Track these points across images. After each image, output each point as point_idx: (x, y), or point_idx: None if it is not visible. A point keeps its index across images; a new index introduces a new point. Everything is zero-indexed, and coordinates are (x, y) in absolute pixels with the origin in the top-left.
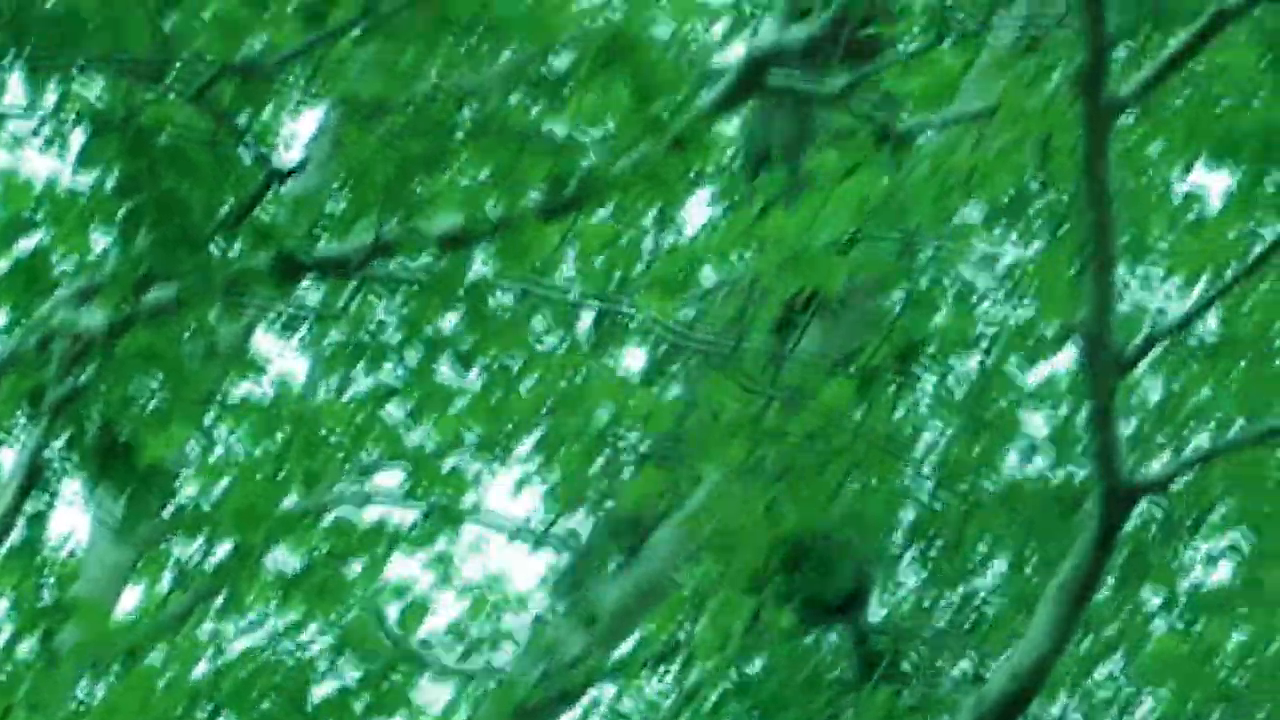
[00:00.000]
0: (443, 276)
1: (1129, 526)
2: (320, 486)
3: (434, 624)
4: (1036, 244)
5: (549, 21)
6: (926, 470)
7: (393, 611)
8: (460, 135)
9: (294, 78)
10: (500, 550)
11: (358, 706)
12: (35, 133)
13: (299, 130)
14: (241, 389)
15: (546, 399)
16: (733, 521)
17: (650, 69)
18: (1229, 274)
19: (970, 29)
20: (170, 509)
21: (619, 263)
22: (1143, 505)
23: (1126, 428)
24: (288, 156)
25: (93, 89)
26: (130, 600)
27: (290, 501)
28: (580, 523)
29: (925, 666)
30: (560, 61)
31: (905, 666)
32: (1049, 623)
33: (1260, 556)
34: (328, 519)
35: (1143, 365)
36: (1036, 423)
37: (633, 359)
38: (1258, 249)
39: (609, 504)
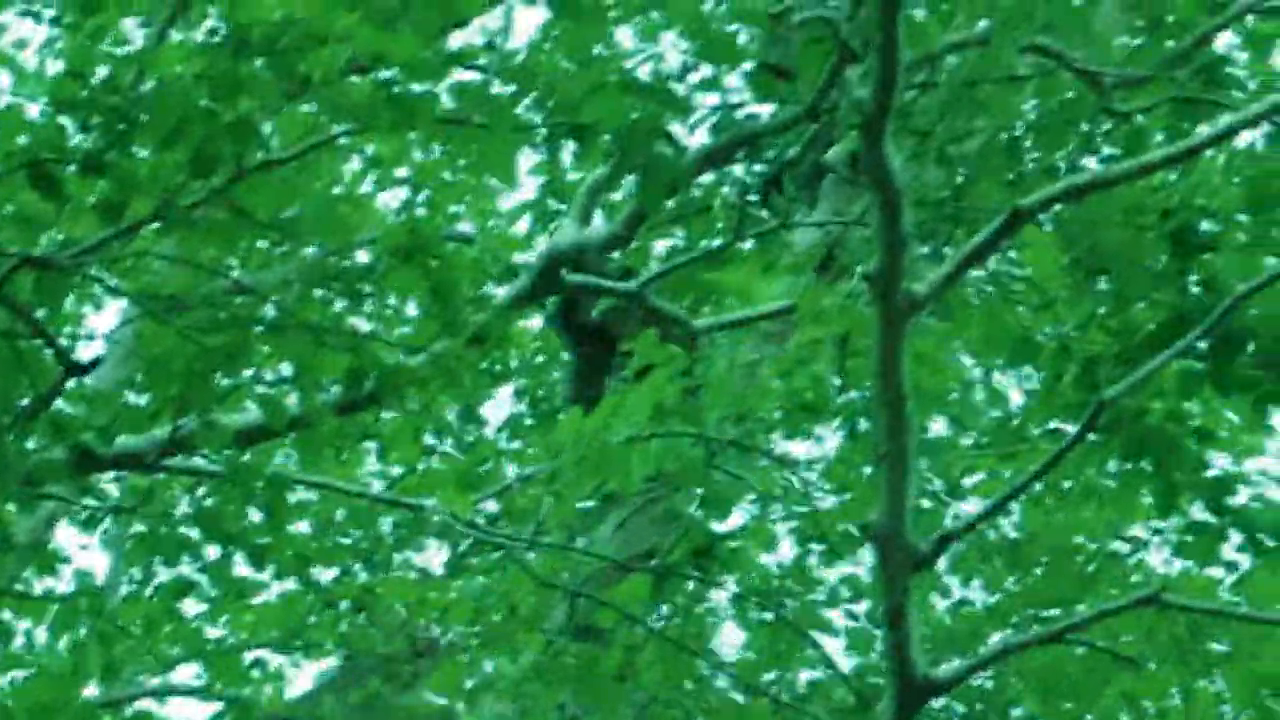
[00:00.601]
0: (241, 470)
1: None
2: (120, 679)
3: None
4: (835, 441)
5: (346, 221)
6: (725, 672)
7: None
8: (259, 330)
9: (93, 272)
10: None
11: None
12: None
13: (99, 325)
14: (42, 583)
15: (347, 595)
16: None
17: (447, 267)
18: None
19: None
20: None
21: (419, 460)
22: (946, 708)
23: (924, 627)
24: (87, 350)
25: None
26: None
27: (90, 694)
28: None
29: None
30: (359, 259)
31: None
32: None
33: None
34: (127, 711)
35: (943, 564)
36: (838, 621)
37: (433, 555)
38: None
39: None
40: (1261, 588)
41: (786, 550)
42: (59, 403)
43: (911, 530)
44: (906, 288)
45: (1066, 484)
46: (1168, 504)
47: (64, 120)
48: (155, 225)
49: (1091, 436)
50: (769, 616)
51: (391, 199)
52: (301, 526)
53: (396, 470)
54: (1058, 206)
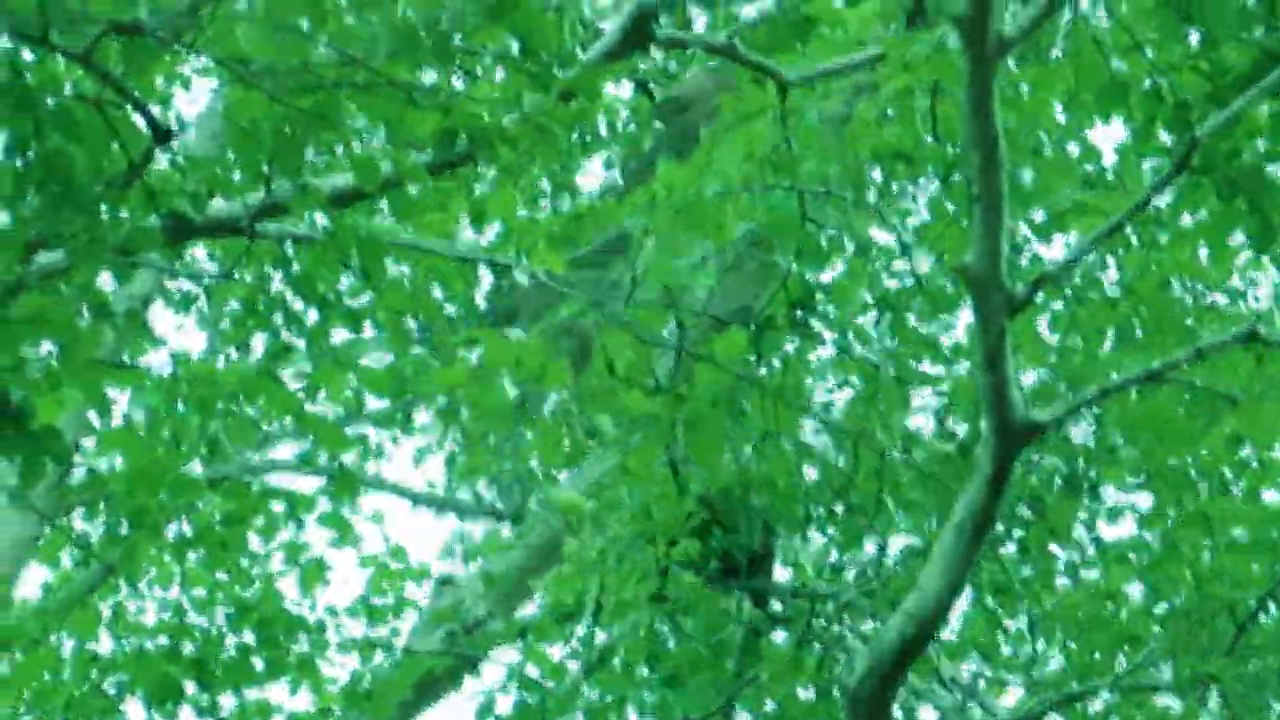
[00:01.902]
0: (335, 233)
1: (1031, 480)
2: (221, 454)
3: (338, 596)
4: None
5: None
6: (826, 425)
7: (292, 578)
8: (348, 91)
9: (180, 39)
10: (402, 521)
11: (258, 664)
12: None
13: (190, 94)
14: (141, 361)
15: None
16: (636, 481)
17: (535, 23)
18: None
19: None
20: (70, 477)
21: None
22: (1046, 457)
23: (1027, 378)
24: (178, 119)
25: None
26: (36, 574)
27: (193, 469)
28: (484, 488)
29: (831, 623)
30: (446, 18)
31: (812, 624)
32: (944, 561)
33: (1160, 509)
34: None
35: (1045, 317)
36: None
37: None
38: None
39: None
40: None
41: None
42: (151, 170)
43: (1007, 274)
44: (996, 29)
45: (1163, 237)
46: (1263, 241)
47: None
48: None
49: (1186, 180)
50: (868, 369)
51: None
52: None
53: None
54: None
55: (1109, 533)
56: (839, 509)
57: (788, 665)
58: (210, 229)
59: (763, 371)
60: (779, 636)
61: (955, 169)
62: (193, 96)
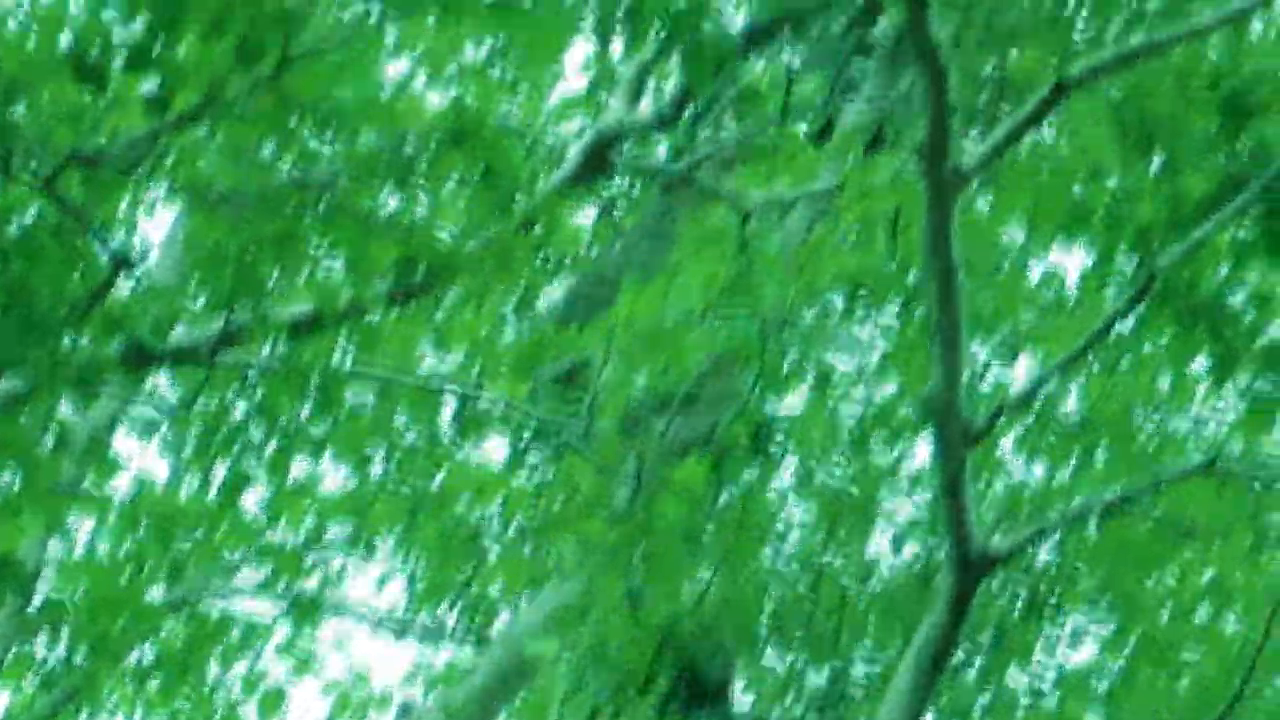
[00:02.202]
0: (294, 362)
1: (993, 604)
2: (183, 582)
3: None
4: (891, 322)
5: (393, 107)
6: (788, 554)
7: (252, 706)
8: (309, 220)
9: (142, 167)
10: (364, 646)
11: None
12: None
13: (152, 221)
14: (103, 488)
15: (408, 492)
16: (598, 612)
17: (496, 152)
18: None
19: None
20: (32, 605)
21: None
22: (1006, 584)
23: (987, 506)
24: (139, 247)
25: None
26: None
27: (154, 597)
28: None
29: None
30: (408, 147)
31: None
32: (905, 690)
33: (1120, 636)
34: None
35: (1008, 446)
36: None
37: (492, 448)
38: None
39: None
40: None
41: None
42: (112, 298)
43: (967, 404)
44: (954, 160)
45: (1124, 363)
46: (1223, 373)
47: (108, 13)
48: (202, 118)
49: (1147, 306)
50: (829, 498)
51: (441, 99)
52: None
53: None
54: (1107, 76)
55: (1070, 659)
56: (798, 637)
57: None
58: (170, 357)
59: (724, 498)
60: None
61: (915, 297)
62: (156, 223)
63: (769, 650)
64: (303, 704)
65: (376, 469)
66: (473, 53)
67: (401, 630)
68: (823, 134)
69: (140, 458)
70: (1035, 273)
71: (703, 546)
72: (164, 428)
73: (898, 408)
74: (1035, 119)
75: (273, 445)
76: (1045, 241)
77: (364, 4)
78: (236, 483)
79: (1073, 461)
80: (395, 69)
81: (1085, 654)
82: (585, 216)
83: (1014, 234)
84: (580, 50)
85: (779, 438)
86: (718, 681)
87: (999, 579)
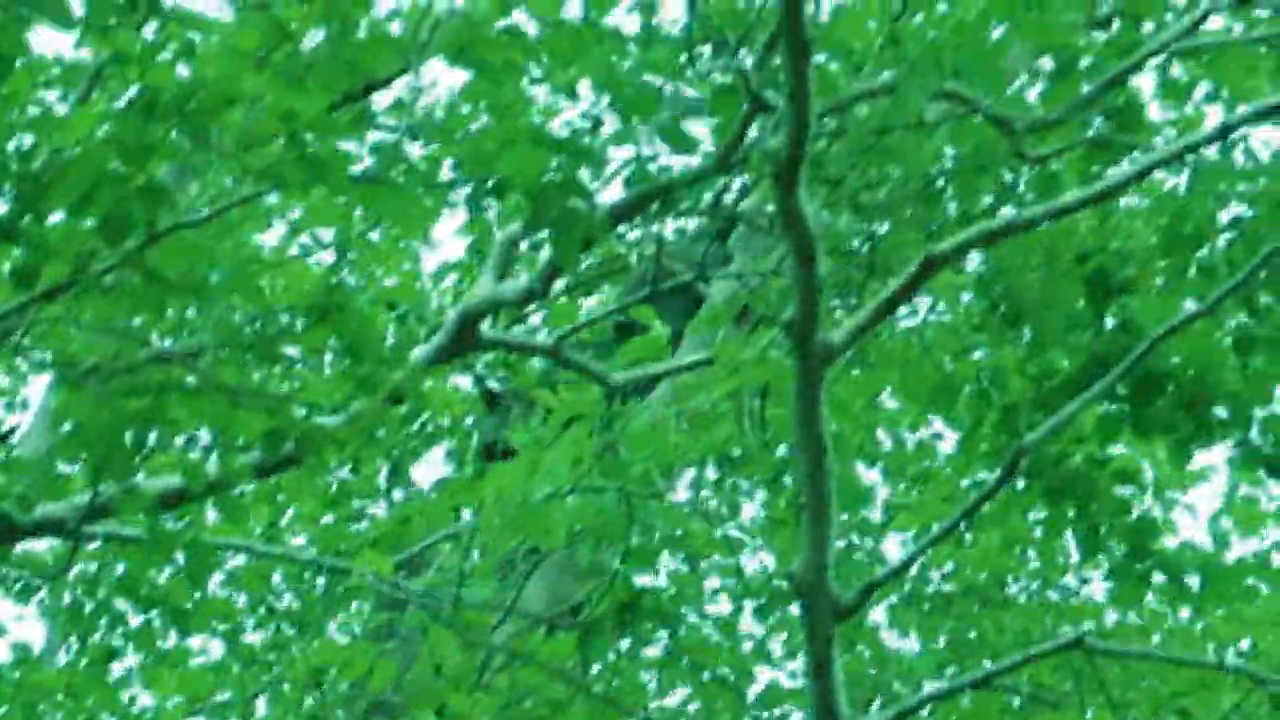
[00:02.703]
0: (161, 535)
1: None
2: None
3: None
4: (759, 497)
5: (259, 283)
6: None
7: None
8: (176, 394)
9: (10, 339)
10: None
11: None
12: None
13: (22, 396)
14: None
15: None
16: None
17: (364, 325)
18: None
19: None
20: None
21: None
22: None
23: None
24: (9, 420)
25: None
26: None
27: None
28: None
29: None
30: (276, 320)
31: None
32: None
33: None
34: None
35: (880, 616)
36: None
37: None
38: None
39: None
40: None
41: (719, 606)
42: None
43: (836, 580)
44: (823, 336)
45: (994, 534)
46: (1091, 548)
47: None
48: (70, 292)
49: (1018, 484)
50: (701, 674)
51: (315, 264)
52: (227, 590)
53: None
54: (975, 251)
55: None
56: None
57: None
58: (36, 529)
59: (594, 671)
60: None
61: (784, 472)
62: (28, 392)
63: None
64: None
65: (250, 638)
66: (348, 220)
67: None
68: (689, 311)
69: (18, 624)
70: (907, 445)
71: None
72: (42, 593)
73: (768, 581)
74: (904, 294)
75: (140, 618)
76: (915, 415)
77: (233, 179)
78: (105, 655)
79: (943, 635)
80: (271, 234)
81: None
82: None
83: (886, 407)
84: (451, 222)
85: (647, 612)
86: None
87: None
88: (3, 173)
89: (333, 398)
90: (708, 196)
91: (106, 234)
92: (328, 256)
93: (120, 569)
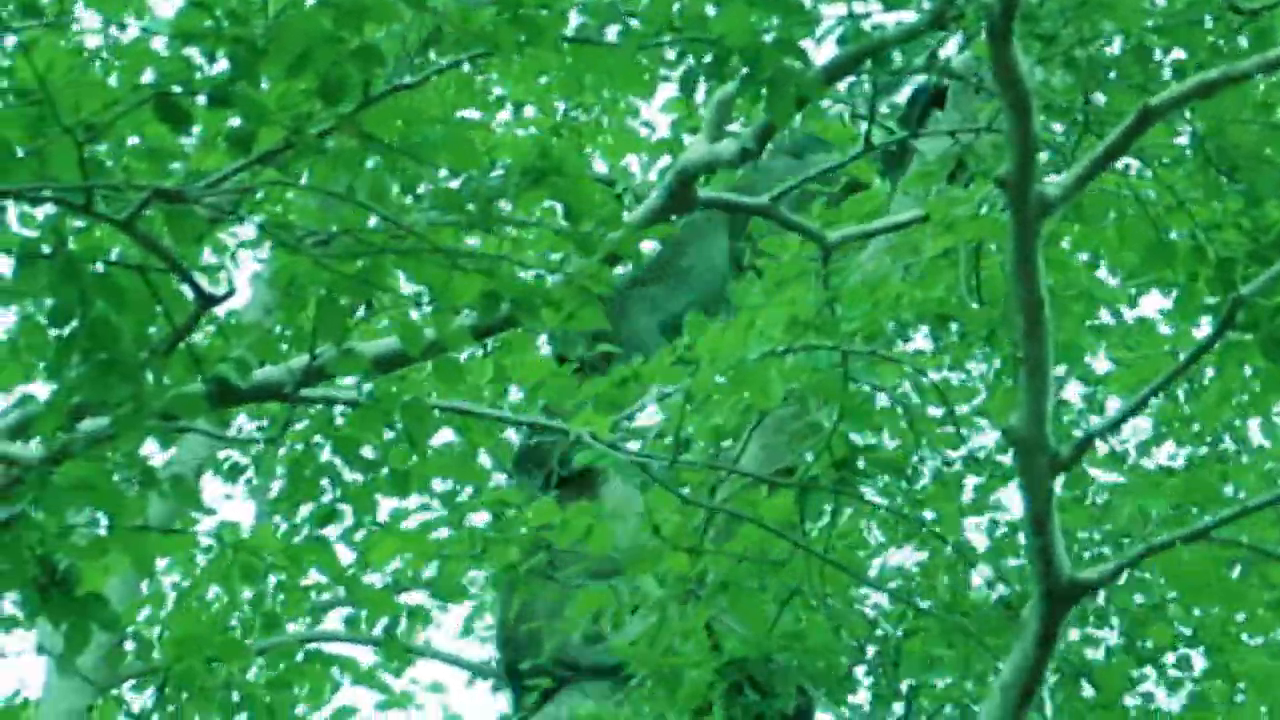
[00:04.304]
0: (379, 398)
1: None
2: (271, 622)
3: None
4: (975, 354)
5: (475, 145)
6: (870, 586)
7: None
8: (393, 256)
9: (225, 205)
10: (456, 691)
11: None
12: None
13: (236, 258)
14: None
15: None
16: (675, 646)
17: (578, 188)
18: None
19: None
20: (122, 646)
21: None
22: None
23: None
24: (224, 285)
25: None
26: None
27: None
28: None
29: None
30: (491, 184)
31: None
32: None
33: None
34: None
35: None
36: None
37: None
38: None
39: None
40: None
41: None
42: (196, 336)
43: (1052, 434)
44: (1039, 190)
45: (1209, 393)
46: None
47: (190, 52)
48: (286, 156)
49: (1230, 336)
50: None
51: (525, 135)
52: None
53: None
54: (1190, 105)
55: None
56: (882, 669)
57: None
58: (254, 395)
59: (813, 531)
60: None
61: (999, 330)
62: (240, 260)
63: (852, 682)
64: None
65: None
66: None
67: (496, 680)
68: (901, 166)
69: (228, 497)
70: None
71: (785, 578)
72: (250, 467)
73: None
74: (1121, 146)
75: (359, 482)
76: (1130, 275)
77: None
78: (324, 518)
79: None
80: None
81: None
82: None
83: (1099, 269)
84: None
85: (864, 471)
86: (796, 713)
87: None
88: (217, 37)
89: (549, 259)
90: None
91: (322, 96)
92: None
93: (335, 431)
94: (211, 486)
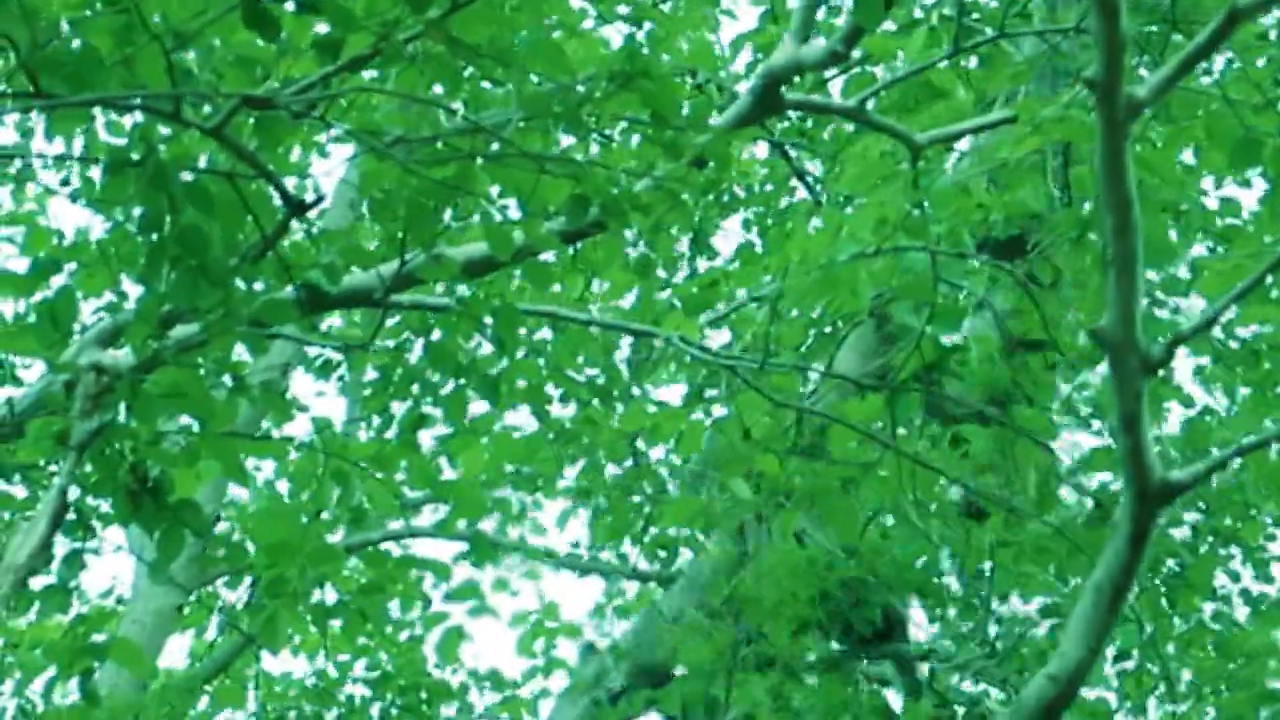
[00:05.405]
0: (469, 302)
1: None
2: (362, 523)
3: (483, 661)
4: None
5: (563, 51)
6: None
7: (433, 642)
8: (481, 162)
9: (313, 111)
10: (546, 584)
11: None
12: (64, 183)
13: (325, 166)
14: (281, 429)
15: (584, 431)
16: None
17: (665, 91)
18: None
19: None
20: (212, 550)
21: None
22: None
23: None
24: (313, 191)
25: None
26: (179, 644)
27: (335, 538)
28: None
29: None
30: (579, 88)
31: (946, 689)
32: (1084, 624)
33: None
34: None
35: (1186, 374)
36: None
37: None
38: None
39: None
40: None
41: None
42: (286, 242)
43: (1143, 335)
44: (1128, 91)
45: None
46: None
47: None
48: (374, 62)
49: None
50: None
51: (613, 35)
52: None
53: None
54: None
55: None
56: (974, 574)
57: None
58: (344, 300)
59: (901, 433)
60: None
61: (1088, 230)
62: (328, 167)
63: (943, 588)
64: (487, 642)
65: (554, 409)
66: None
67: (584, 569)
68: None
69: (318, 400)
70: (1212, 203)
71: (879, 483)
72: (341, 369)
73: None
74: (1210, 47)
75: (450, 385)
76: (1218, 173)
77: None
78: (414, 423)
79: (1250, 391)
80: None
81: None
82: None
83: (1187, 167)
84: None
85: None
86: (892, 619)
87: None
88: None
89: (638, 162)
90: None
91: (411, 3)
92: (624, 28)
93: (425, 336)
94: (303, 383)
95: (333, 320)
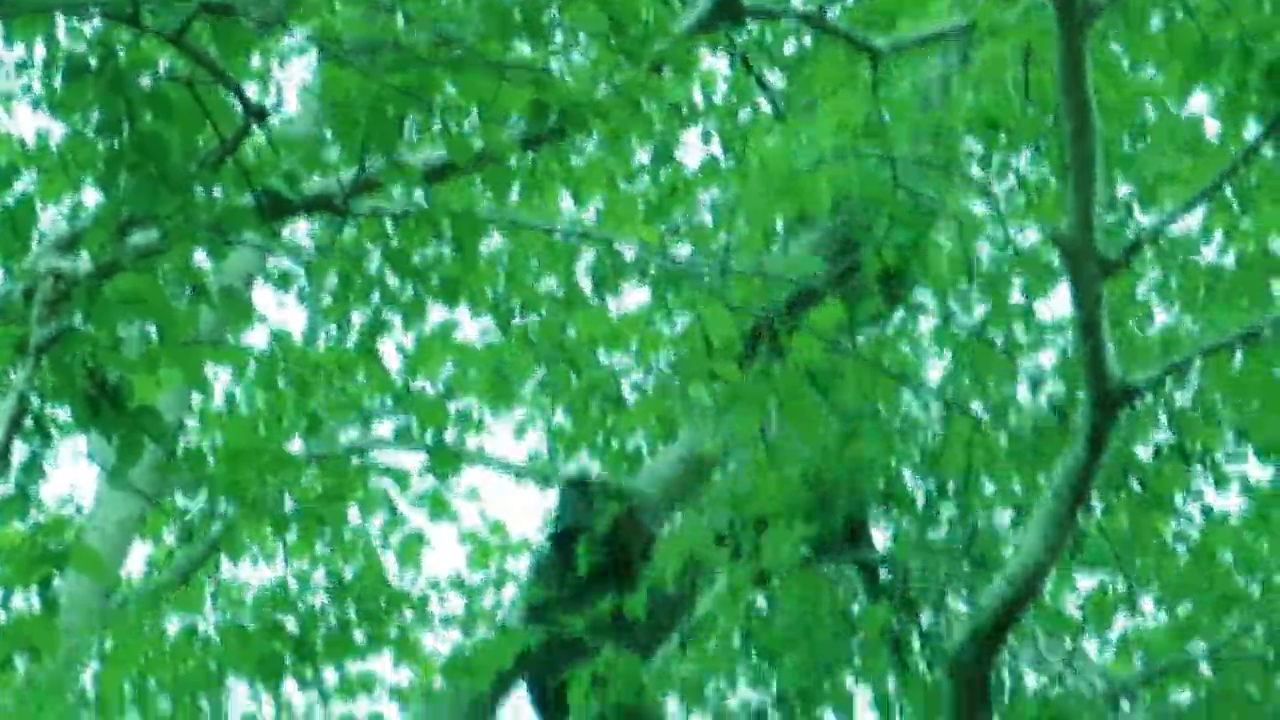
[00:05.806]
0: (428, 208)
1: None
2: (321, 432)
3: (436, 569)
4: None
5: None
6: (925, 394)
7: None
8: (441, 68)
9: (274, 18)
10: (505, 494)
11: (359, 638)
12: (25, 89)
13: (286, 71)
14: (242, 339)
15: (545, 340)
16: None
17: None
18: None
19: None
20: (170, 456)
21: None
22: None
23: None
24: (272, 98)
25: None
26: (139, 552)
27: (294, 448)
28: (585, 462)
29: (929, 590)
30: None
31: (911, 593)
32: (1043, 525)
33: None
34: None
35: (1143, 288)
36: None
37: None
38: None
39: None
40: None
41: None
42: (246, 149)
43: (1103, 240)
44: None
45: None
46: None
47: None
48: None
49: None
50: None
51: None
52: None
53: (590, 216)
54: None
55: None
56: (934, 478)
57: (885, 632)
58: (305, 206)
59: (860, 340)
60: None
61: (1049, 136)
62: (289, 74)
63: (904, 492)
64: (443, 550)
65: (514, 317)
66: None
67: (545, 479)
68: None
69: (278, 309)
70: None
71: (839, 388)
72: (301, 278)
73: (1034, 249)
74: None
75: (409, 293)
76: (1177, 80)
77: None
78: (374, 331)
79: (1209, 301)
80: None
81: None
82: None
83: (1149, 77)
84: None
85: (912, 279)
86: (854, 523)
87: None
88: None
89: (596, 71)
90: None
91: None
92: None
93: (385, 242)
94: (263, 294)
95: (293, 229)
